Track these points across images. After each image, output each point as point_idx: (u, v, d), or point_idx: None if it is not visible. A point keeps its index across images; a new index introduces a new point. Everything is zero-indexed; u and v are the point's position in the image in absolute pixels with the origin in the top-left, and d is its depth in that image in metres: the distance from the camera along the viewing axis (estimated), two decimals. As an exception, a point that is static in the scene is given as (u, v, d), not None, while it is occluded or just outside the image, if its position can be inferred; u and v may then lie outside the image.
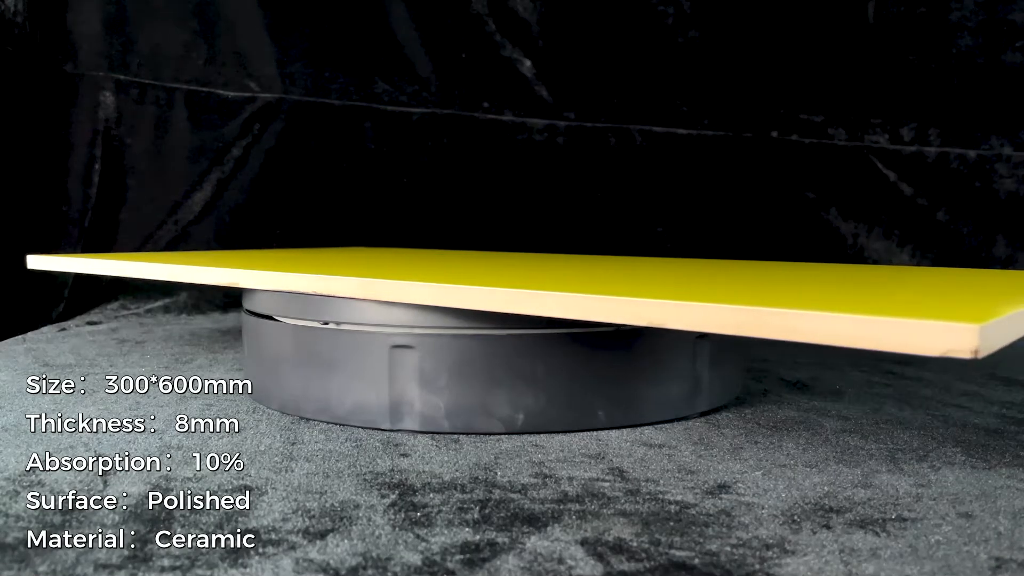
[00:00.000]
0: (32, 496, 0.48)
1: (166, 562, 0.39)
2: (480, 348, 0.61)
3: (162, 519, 0.45)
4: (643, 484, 0.51)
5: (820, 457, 0.57)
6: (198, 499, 0.48)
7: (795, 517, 0.46)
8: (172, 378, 0.84)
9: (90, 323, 1.26)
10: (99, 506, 0.46)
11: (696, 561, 0.40)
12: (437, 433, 0.62)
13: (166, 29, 1.43)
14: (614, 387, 0.64)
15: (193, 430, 0.63)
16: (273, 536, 0.42)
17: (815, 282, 0.62)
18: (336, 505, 0.47)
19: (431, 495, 0.49)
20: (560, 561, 0.40)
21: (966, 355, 0.36)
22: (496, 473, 0.53)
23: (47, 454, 0.56)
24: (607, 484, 0.51)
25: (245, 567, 0.39)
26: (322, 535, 0.43)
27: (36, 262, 0.94)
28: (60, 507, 0.46)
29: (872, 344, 0.39)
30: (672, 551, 0.41)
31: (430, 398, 0.62)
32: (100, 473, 0.52)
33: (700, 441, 0.61)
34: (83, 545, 0.41)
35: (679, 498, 0.49)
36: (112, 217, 1.40)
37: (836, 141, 1.63)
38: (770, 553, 0.41)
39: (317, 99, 1.49)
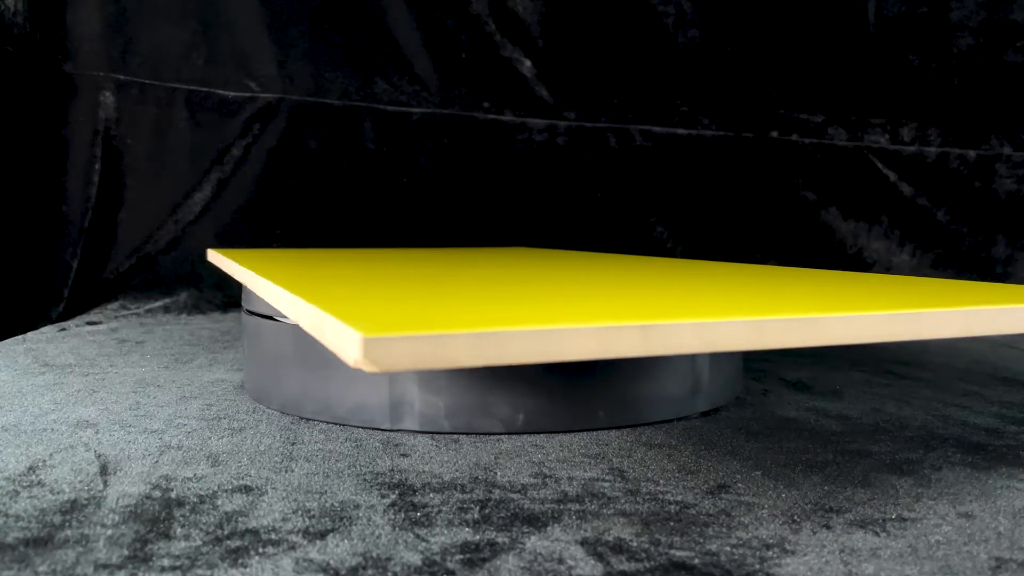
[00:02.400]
0: (32, 496, 0.48)
1: (166, 562, 0.39)
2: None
3: (162, 519, 0.45)
4: (643, 484, 0.51)
5: (820, 457, 0.57)
6: (198, 499, 0.48)
7: (795, 517, 0.46)
8: (172, 378, 0.85)
9: (90, 323, 1.26)
10: (99, 506, 0.46)
11: (696, 561, 0.40)
12: (437, 433, 0.62)
13: (166, 29, 1.43)
14: (614, 387, 0.64)
15: (193, 430, 0.63)
16: (273, 536, 0.42)
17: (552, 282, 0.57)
18: (336, 505, 0.47)
19: (431, 495, 0.49)
20: (560, 561, 0.40)
21: (364, 367, 0.31)
22: (496, 473, 0.53)
23: (47, 454, 0.56)
24: (607, 484, 0.51)
25: (245, 567, 0.39)
26: (322, 535, 0.43)
27: (215, 257, 0.91)
28: (60, 507, 0.46)
29: (327, 345, 0.34)
30: (672, 551, 0.41)
31: (430, 398, 0.62)
32: (100, 473, 0.52)
33: (700, 441, 0.61)
34: (83, 545, 0.41)
35: (679, 498, 0.49)
36: (112, 217, 1.40)
37: (836, 141, 1.63)
38: (770, 553, 0.41)
39: (317, 99, 1.49)
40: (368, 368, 0.31)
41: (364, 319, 0.35)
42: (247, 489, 0.49)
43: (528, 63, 1.55)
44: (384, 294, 0.48)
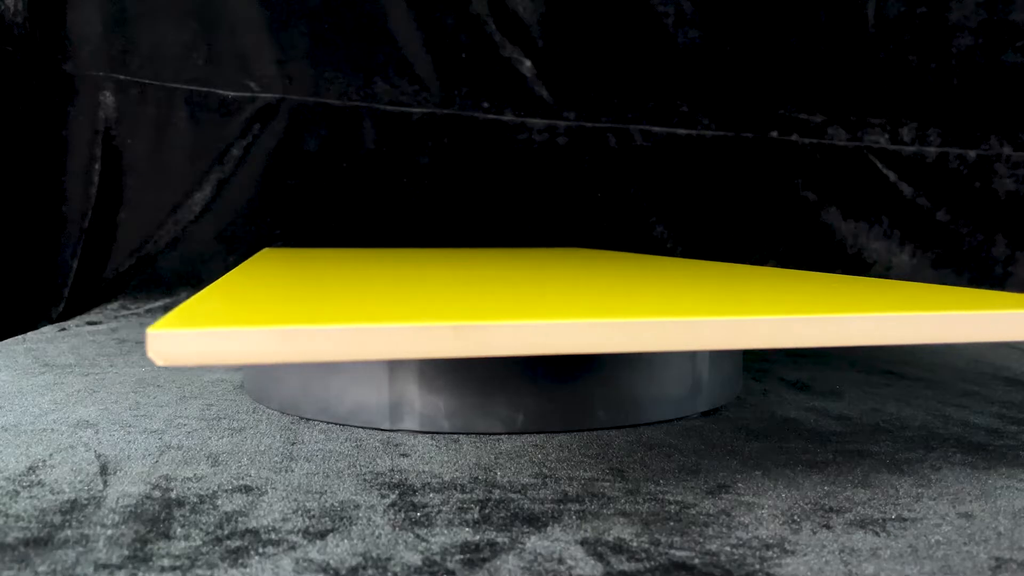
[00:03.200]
0: (32, 496, 0.48)
1: (166, 562, 0.39)
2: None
3: (162, 519, 0.45)
4: (643, 484, 0.51)
5: (820, 457, 0.57)
6: (198, 499, 0.48)
7: (795, 517, 0.46)
8: (172, 378, 0.85)
9: (90, 323, 1.26)
10: (99, 506, 0.46)
11: (696, 561, 0.40)
12: (437, 433, 0.62)
13: (166, 29, 1.43)
14: (614, 387, 0.64)
15: (193, 430, 0.63)
16: (273, 536, 0.42)
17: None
18: (336, 505, 0.47)
19: (431, 495, 0.49)
20: (560, 561, 0.40)
21: (154, 360, 0.32)
22: (496, 473, 0.53)
23: (47, 454, 0.56)
24: (607, 484, 0.51)
25: (245, 567, 0.39)
26: (322, 535, 0.43)
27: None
28: (60, 507, 0.46)
29: None
30: (672, 551, 0.41)
31: (430, 398, 0.62)
32: (100, 473, 0.52)
33: (700, 441, 0.61)
34: (83, 545, 0.41)
35: (679, 498, 0.49)
36: (112, 217, 1.40)
37: (836, 141, 1.63)
38: (770, 553, 0.41)
39: (317, 99, 1.49)
40: (158, 361, 0.32)
41: (185, 315, 0.36)
42: (247, 489, 0.49)
43: (528, 63, 1.55)
44: (291, 294, 0.49)
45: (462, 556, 0.40)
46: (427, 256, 1.01)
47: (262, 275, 0.66)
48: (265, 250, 0.97)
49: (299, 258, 0.92)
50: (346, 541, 0.42)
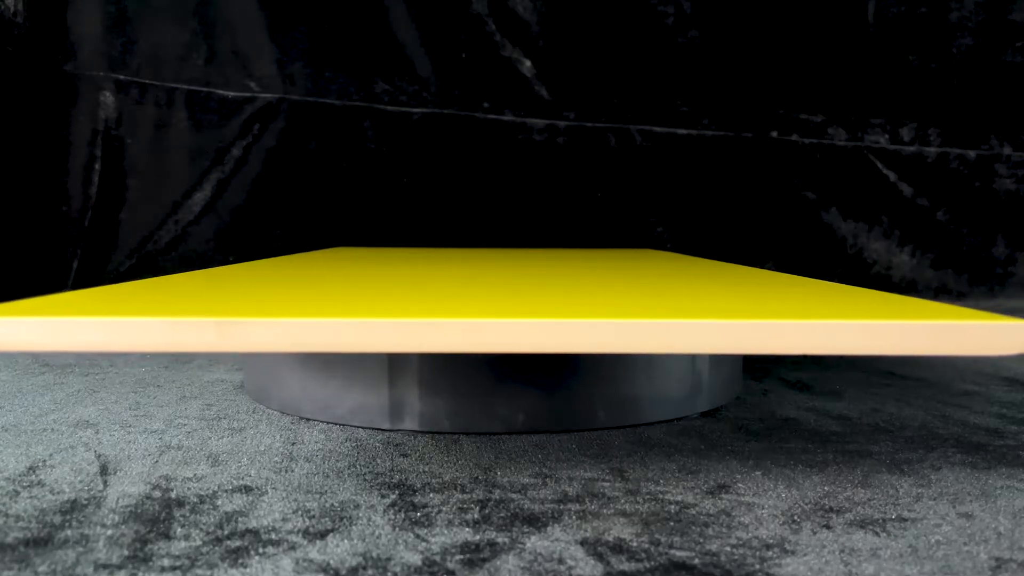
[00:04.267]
0: (32, 496, 0.48)
1: (166, 562, 0.39)
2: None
3: (162, 519, 0.45)
4: (643, 484, 0.51)
5: (820, 457, 0.57)
6: (198, 499, 0.48)
7: (795, 517, 0.46)
8: (172, 378, 0.85)
9: (90, 323, 1.26)
10: (99, 506, 0.46)
11: (696, 561, 0.40)
12: (437, 433, 0.62)
13: (166, 29, 1.43)
14: (614, 387, 0.64)
15: (193, 430, 0.63)
16: (273, 536, 0.42)
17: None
18: (336, 505, 0.47)
19: (431, 495, 0.49)
20: (560, 561, 0.40)
21: None
22: (496, 473, 0.53)
23: (47, 454, 0.56)
24: (607, 484, 0.51)
25: (245, 567, 0.39)
26: (322, 535, 0.43)
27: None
28: (60, 507, 0.46)
29: None
30: (672, 551, 0.41)
31: (430, 398, 0.62)
32: (100, 473, 0.52)
33: (700, 441, 0.61)
34: (83, 545, 0.41)
35: (679, 498, 0.49)
36: (112, 217, 1.40)
37: (836, 141, 1.63)
38: (770, 553, 0.41)
39: (317, 99, 1.49)
40: None
41: (21, 305, 0.41)
42: (247, 489, 0.49)
43: (528, 63, 1.55)
44: (179, 291, 0.52)
45: (462, 556, 0.40)
46: (438, 256, 1.01)
47: (218, 274, 0.66)
48: (334, 248, 1.00)
49: (317, 259, 0.93)
50: (346, 541, 0.42)
